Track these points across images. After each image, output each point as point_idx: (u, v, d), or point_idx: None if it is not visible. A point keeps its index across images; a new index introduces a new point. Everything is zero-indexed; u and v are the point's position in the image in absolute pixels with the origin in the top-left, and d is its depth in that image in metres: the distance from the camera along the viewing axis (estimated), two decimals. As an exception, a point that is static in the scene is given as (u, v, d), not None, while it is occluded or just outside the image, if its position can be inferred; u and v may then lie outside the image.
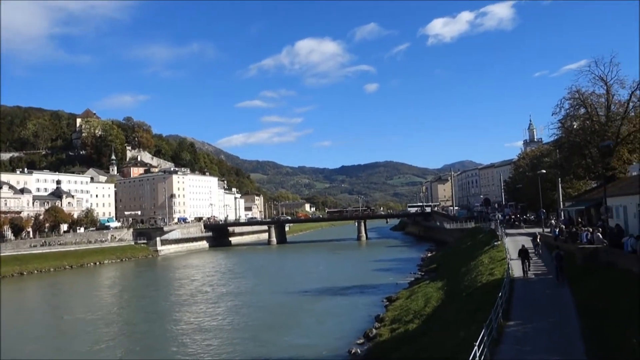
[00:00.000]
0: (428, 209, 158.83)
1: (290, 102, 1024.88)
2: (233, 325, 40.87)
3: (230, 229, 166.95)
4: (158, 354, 33.39)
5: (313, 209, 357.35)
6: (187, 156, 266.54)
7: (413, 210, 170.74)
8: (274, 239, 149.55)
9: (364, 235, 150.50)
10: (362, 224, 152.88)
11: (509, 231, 58.28)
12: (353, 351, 30.10)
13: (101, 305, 55.37)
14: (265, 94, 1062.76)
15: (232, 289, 62.38)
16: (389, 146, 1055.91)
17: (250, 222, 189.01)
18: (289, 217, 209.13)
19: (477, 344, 14.09)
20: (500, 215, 78.37)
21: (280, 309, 46.65)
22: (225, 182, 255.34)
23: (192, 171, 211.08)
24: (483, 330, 15.50)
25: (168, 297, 58.45)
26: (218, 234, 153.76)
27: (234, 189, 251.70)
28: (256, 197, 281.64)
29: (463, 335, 19.67)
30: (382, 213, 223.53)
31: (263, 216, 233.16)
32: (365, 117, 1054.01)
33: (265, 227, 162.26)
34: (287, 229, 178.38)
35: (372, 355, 28.14)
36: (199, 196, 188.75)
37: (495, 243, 48.43)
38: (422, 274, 60.28)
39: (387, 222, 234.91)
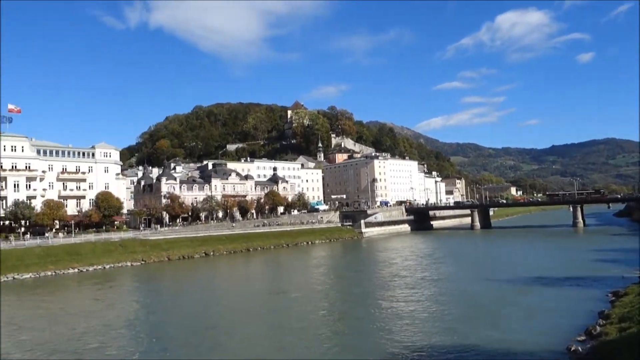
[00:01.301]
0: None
1: (491, 80, 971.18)
2: (429, 314, 39.94)
3: (432, 212, 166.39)
4: (351, 337, 34.67)
5: (519, 193, 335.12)
6: (387, 141, 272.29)
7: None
8: (477, 224, 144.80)
9: (581, 221, 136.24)
10: (579, 209, 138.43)
11: None
12: (573, 348, 27.69)
13: (309, 283, 60.35)
14: (464, 74, 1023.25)
15: (430, 274, 62.06)
16: (609, 122, 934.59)
17: (452, 205, 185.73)
18: (500, 200, 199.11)
19: None
20: None
21: (482, 299, 44.91)
22: (425, 165, 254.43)
23: (392, 156, 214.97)
24: None
25: (368, 280, 60.77)
26: (419, 217, 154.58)
27: (434, 173, 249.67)
28: (457, 181, 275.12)
29: None
30: (618, 196, 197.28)
31: (464, 199, 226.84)
32: (579, 91, 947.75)
33: (467, 211, 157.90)
34: (491, 213, 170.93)
35: (596, 354, 25.57)
36: (399, 180, 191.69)
37: None
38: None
39: (609, 207, 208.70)
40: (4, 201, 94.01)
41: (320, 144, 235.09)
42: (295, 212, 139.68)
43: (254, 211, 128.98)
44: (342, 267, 77.67)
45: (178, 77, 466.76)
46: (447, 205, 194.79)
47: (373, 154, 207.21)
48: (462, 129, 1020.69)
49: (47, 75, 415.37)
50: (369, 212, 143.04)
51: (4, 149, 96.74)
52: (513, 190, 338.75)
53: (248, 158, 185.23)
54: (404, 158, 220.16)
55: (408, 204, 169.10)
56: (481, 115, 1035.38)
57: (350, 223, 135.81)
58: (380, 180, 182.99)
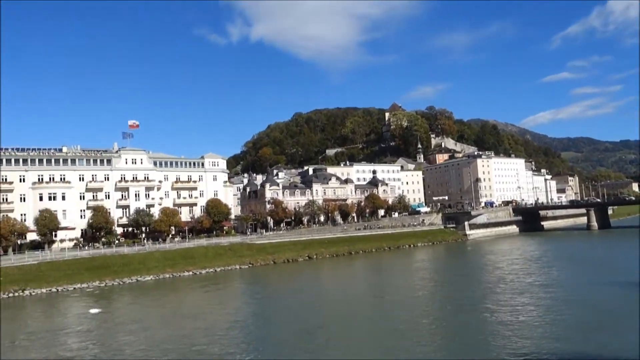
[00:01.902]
0: None
1: (605, 69, 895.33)
2: (539, 321, 37.73)
3: (542, 212, 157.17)
4: (454, 343, 33.87)
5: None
6: (491, 139, 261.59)
7: None
8: (594, 224, 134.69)
9: None
10: None
11: None
12: None
13: (411, 287, 59.63)
14: (574, 64, 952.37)
15: (541, 279, 58.67)
16: None
17: (565, 205, 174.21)
18: (626, 197, 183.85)
19: None
20: None
21: (601, 306, 41.77)
22: (533, 163, 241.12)
23: (497, 154, 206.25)
24: None
25: (473, 284, 58.67)
26: (528, 218, 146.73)
27: (542, 170, 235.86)
28: (569, 178, 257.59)
29: None
30: None
31: (579, 198, 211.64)
32: None
33: (582, 211, 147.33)
34: (610, 212, 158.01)
35: None
36: (505, 179, 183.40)
37: None
38: None
39: None
40: (127, 209, 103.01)
41: (419, 145, 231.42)
42: (396, 214, 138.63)
43: (354, 214, 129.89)
44: (446, 270, 75.90)
45: (278, 87, 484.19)
46: (559, 204, 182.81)
47: (475, 153, 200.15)
48: (573, 122, 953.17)
49: (160, 92, 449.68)
50: (473, 213, 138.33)
51: (126, 162, 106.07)
52: (635, 186, 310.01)
53: (347, 162, 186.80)
54: (509, 156, 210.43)
55: (515, 204, 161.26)
56: (595, 107, 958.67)
57: (454, 225, 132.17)
58: (484, 180, 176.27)
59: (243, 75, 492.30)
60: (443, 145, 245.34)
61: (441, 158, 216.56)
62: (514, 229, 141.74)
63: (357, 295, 56.31)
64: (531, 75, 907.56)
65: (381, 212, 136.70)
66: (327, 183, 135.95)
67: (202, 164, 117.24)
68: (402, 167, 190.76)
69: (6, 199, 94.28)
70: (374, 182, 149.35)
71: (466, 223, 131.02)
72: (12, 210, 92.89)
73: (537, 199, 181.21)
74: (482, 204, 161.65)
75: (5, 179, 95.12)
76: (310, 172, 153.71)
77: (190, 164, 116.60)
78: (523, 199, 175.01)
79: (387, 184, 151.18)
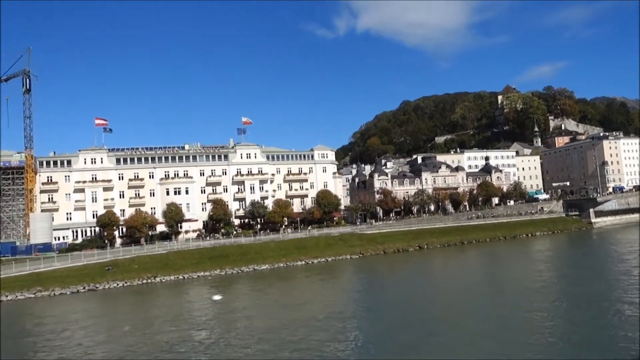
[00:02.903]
0: None
1: None
2: None
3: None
4: (572, 343, 31.68)
5: None
6: (618, 118, 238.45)
7: None
8: None
9: None
10: None
11: None
12: None
13: (528, 279, 56.51)
14: None
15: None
16: None
17: None
18: None
19: None
20: None
21: None
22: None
23: (626, 134, 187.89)
24: None
25: (597, 278, 53.98)
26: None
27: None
28: None
29: None
30: None
31: None
32: None
33: None
34: None
35: None
36: (636, 162, 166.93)
37: None
38: None
39: None
40: (243, 202, 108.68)
41: (536, 128, 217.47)
42: (512, 202, 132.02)
43: (466, 203, 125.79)
44: (568, 261, 70.92)
45: (385, 76, 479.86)
46: None
47: (601, 134, 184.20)
48: None
49: (271, 88, 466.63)
50: (599, 199, 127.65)
51: (241, 157, 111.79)
52: None
53: (458, 149, 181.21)
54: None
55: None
56: None
57: (577, 212, 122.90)
58: (611, 163, 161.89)
59: (350, 67, 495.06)
60: (563, 128, 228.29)
61: (561, 141, 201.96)
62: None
63: (468, 287, 54.63)
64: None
65: (495, 200, 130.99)
66: (437, 171, 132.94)
67: (312, 156, 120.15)
68: (517, 152, 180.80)
69: (138, 194, 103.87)
70: (487, 169, 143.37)
71: (591, 210, 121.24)
72: (143, 205, 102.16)
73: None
74: (610, 190, 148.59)
75: (137, 176, 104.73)
76: (419, 160, 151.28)
77: (300, 156, 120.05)
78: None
79: (501, 171, 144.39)
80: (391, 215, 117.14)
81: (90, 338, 39.04)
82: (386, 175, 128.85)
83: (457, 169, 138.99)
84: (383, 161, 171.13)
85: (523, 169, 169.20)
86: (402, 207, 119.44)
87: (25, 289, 61.37)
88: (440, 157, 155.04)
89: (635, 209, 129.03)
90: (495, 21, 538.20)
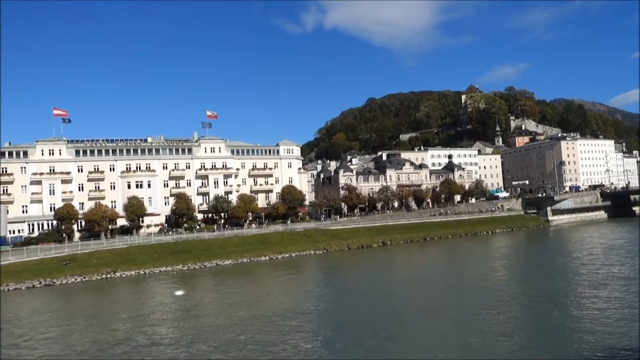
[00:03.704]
0: None
1: None
2: (622, 314, 35.30)
3: (633, 197, 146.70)
4: (534, 337, 32.54)
5: None
6: (576, 120, 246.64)
7: None
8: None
9: None
10: None
11: None
12: None
13: (489, 276, 57.87)
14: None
15: (629, 270, 54.57)
16: None
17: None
18: None
19: None
20: None
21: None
22: (624, 144, 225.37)
23: (582, 135, 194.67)
24: None
25: (554, 274, 55.43)
26: (617, 203, 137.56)
27: (635, 152, 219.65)
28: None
29: None
30: None
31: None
32: None
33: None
34: None
35: None
36: (592, 162, 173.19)
37: None
38: None
39: None
40: (207, 196, 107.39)
41: (498, 128, 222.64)
42: (473, 200, 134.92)
43: (429, 200, 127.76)
44: (526, 258, 72.90)
45: (352, 73, 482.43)
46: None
47: (559, 135, 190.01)
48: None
49: (237, 82, 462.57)
50: (556, 198, 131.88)
51: (205, 151, 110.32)
52: None
53: (422, 147, 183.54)
54: (596, 137, 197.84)
55: (603, 188, 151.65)
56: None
57: (535, 211, 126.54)
58: (568, 162, 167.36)
59: (317, 63, 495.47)
60: (523, 128, 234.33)
61: (521, 141, 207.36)
62: (602, 214, 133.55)
63: (429, 282, 55.56)
64: (621, 51, 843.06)
65: (457, 197, 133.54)
66: (401, 168, 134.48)
67: (278, 152, 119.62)
68: (479, 151, 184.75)
69: (98, 187, 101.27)
70: (450, 167, 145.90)
71: (548, 208, 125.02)
72: (103, 198, 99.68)
73: (629, 182, 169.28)
74: (567, 189, 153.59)
75: (97, 169, 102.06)
76: (384, 157, 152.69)
77: (266, 151, 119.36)
78: (612, 183, 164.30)
79: (463, 169, 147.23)
80: (355, 211, 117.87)
81: (40, 334, 37.78)
82: (351, 171, 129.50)
83: (421, 166, 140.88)
84: (348, 157, 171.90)
85: (485, 167, 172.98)
86: (367, 204, 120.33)
87: (-24, 284, 59.02)
88: (404, 155, 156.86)
89: (591, 208, 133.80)
90: (461, 21, 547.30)
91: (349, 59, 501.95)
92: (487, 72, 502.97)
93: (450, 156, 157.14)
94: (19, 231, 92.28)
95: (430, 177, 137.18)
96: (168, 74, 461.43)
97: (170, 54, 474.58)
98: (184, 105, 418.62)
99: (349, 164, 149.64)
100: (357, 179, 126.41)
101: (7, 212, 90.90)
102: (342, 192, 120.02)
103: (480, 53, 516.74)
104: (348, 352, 30.41)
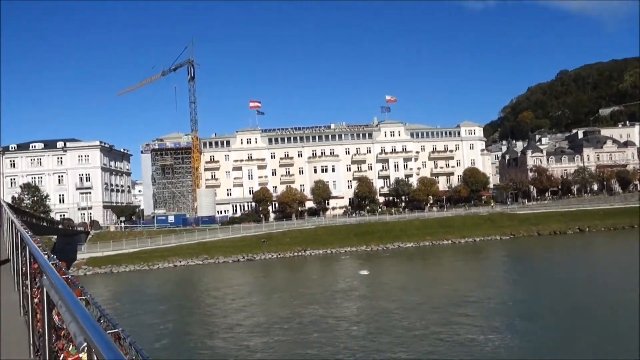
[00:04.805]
0: None
1: None
2: None
3: None
4: None
5: None
6: None
7: None
8: None
9: None
10: None
11: None
12: None
13: None
14: None
15: None
16: None
17: None
18: None
19: None
20: None
21: None
22: None
23: None
24: None
25: None
26: None
27: None
28: None
29: None
30: None
31: None
32: None
33: None
34: None
35: None
36: None
37: None
38: None
39: None
40: (388, 180, 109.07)
41: None
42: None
43: (637, 182, 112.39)
44: None
45: (539, 45, 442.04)
46: None
47: None
48: None
49: (416, 64, 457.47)
50: None
51: (385, 135, 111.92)
52: None
53: (627, 122, 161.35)
54: None
55: None
56: None
57: None
58: None
59: (499, 38, 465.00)
60: None
61: None
62: None
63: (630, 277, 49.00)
64: None
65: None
66: (601, 147, 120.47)
67: (458, 133, 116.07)
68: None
69: (288, 172, 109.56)
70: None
71: None
72: (293, 182, 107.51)
73: None
74: None
75: (287, 155, 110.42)
76: (580, 135, 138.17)
77: (446, 133, 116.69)
78: None
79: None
80: (546, 195, 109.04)
81: (247, 302, 42.55)
82: (541, 151, 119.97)
83: (626, 144, 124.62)
84: (537, 137, 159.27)
85: None
86: (559, 187, 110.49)
87: (195, 256, 68.81)
88: (605, 132, 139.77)
89: None
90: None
91: (537, 30, 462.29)
92: None
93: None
94: (225, 211, 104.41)
95: (638, 155, 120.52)
96: (345, 58, 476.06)
97: (342, 39, 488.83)
98: (364, 91, 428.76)
99: (538, 143, 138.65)
100: (547, 159, 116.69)
101: (215, 195, 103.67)
102: (530, 174, 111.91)
103: None
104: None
